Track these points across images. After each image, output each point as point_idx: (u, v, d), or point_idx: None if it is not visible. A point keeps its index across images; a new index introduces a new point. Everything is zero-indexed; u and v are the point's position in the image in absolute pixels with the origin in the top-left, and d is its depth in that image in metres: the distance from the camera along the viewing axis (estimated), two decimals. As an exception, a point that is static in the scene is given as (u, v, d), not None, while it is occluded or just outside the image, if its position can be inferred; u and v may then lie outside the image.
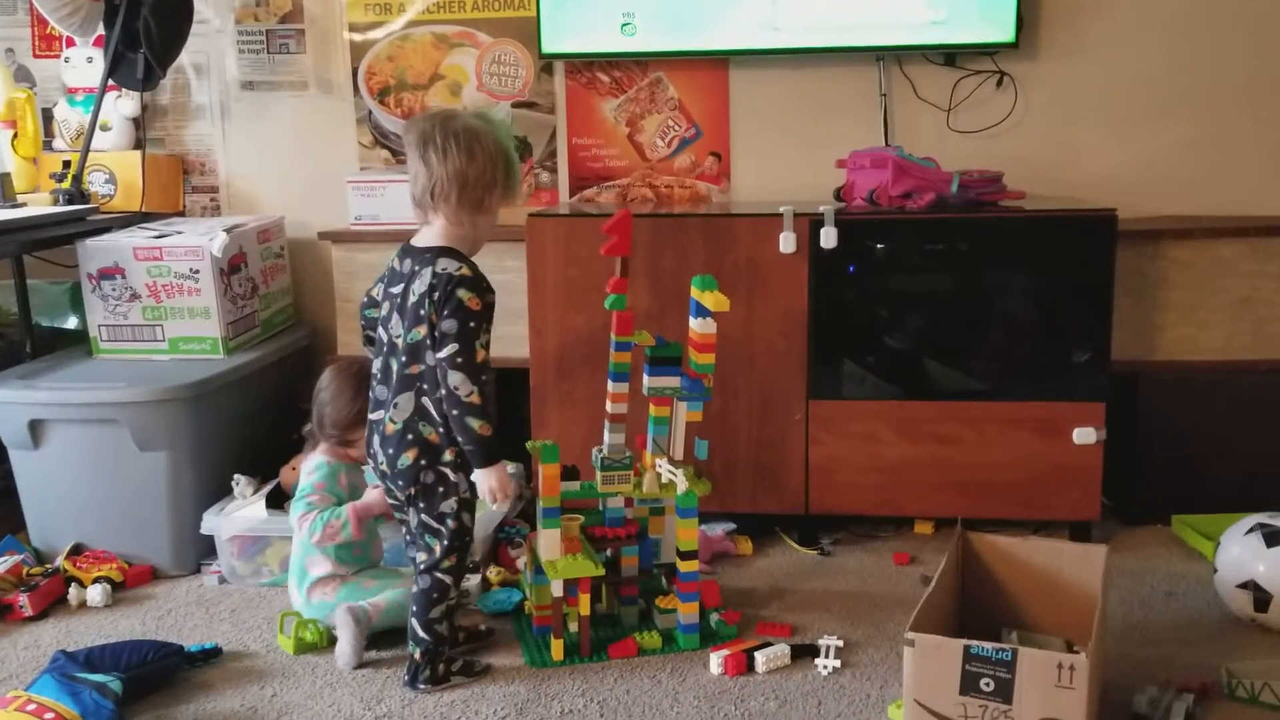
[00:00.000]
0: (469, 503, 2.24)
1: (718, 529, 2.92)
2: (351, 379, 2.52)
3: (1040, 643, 2.15)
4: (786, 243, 2.80)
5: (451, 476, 2.20)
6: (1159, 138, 3.29)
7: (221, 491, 2.88)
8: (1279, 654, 2.22)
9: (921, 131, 3.33)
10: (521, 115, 3.51)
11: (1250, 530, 2.41)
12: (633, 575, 2.49)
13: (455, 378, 2.11)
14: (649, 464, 2.48)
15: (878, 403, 2.85)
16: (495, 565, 2.76)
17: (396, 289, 2.21)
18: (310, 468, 2.55)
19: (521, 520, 2.95)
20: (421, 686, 2.23)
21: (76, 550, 2.82)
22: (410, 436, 2.19)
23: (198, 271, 3.00)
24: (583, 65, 3.44)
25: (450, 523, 2.21)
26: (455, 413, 2.13)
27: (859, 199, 2.94)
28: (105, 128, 3.44)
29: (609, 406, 2.44)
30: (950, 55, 3.29)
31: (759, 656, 2.28)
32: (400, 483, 2.21)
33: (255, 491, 2.88)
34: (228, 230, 3.08)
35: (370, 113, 3.56)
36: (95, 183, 3.39)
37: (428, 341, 2.15)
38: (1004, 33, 3.17)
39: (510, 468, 3.01)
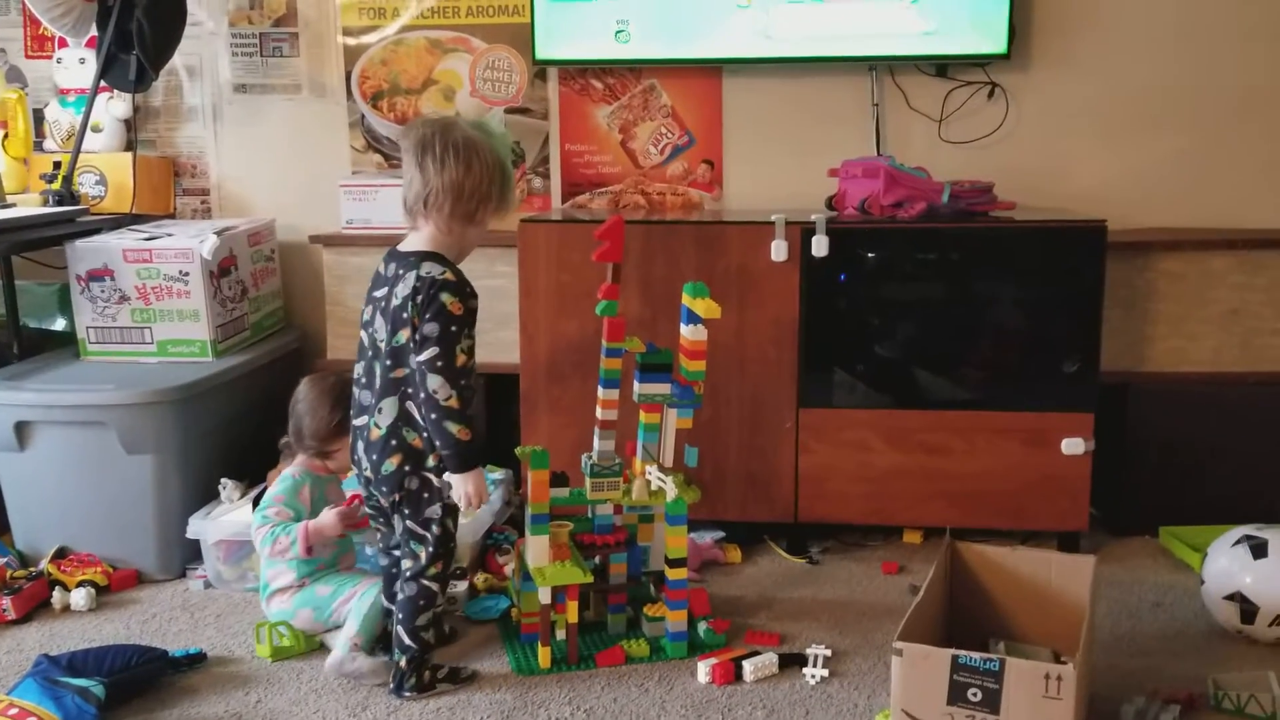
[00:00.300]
0: (453, 509, 2.23)
1: (707, 537, 2.92)
2: (329, 391, 2.51)
3: (1028, 653, 2.15)
4: (778, 251, 2.80)
5: (435, 482, 2.19)
6: (1149, 150, 3.30)
7: (208, 495, 2.87)
8: (1266, 665, 2.22)
9: (913, 141, 3.34)
10: (515, 121, 3.51)
11: (1237, 542, 2.41)
12: (621, 583, 2.48)
13: (434, 381, 2.10)
14: (639, 471, 2.47)
15: (868, 411, 2.85)
16: (483, 572, 2.75)
17: (380, 293, 2.20)
18: (277, 480, 2.54)
19: (510, 527, 2.94)
20: (407, 694, 2.22)
21: (61, 553, 2.81)
22: (394, 442, 2.18)
23: (187, 274, 2.99)
24: (576, 72, 3.44)
25: (435, 529, 2.21)
26: (434, 416, 2.12)
27: (851, 208, 2.94)
28: (97, 129, 3.43)
29: (599, 413, 2.44)
30: (942, 66, 3.30)
31: (747, 665, 2.28)
32: (384, 489, 2.20)
33: (242, 496, 2.87)
34: (218, 233, 3.07)
35: (363, 117, 3.56)
36: (86, 184, 3.38)
37: (410, 345, 2.14)
38: (996, 44, 3.18)
39: (499, 473, 3.04)
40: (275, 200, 3.60)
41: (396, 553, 2.29)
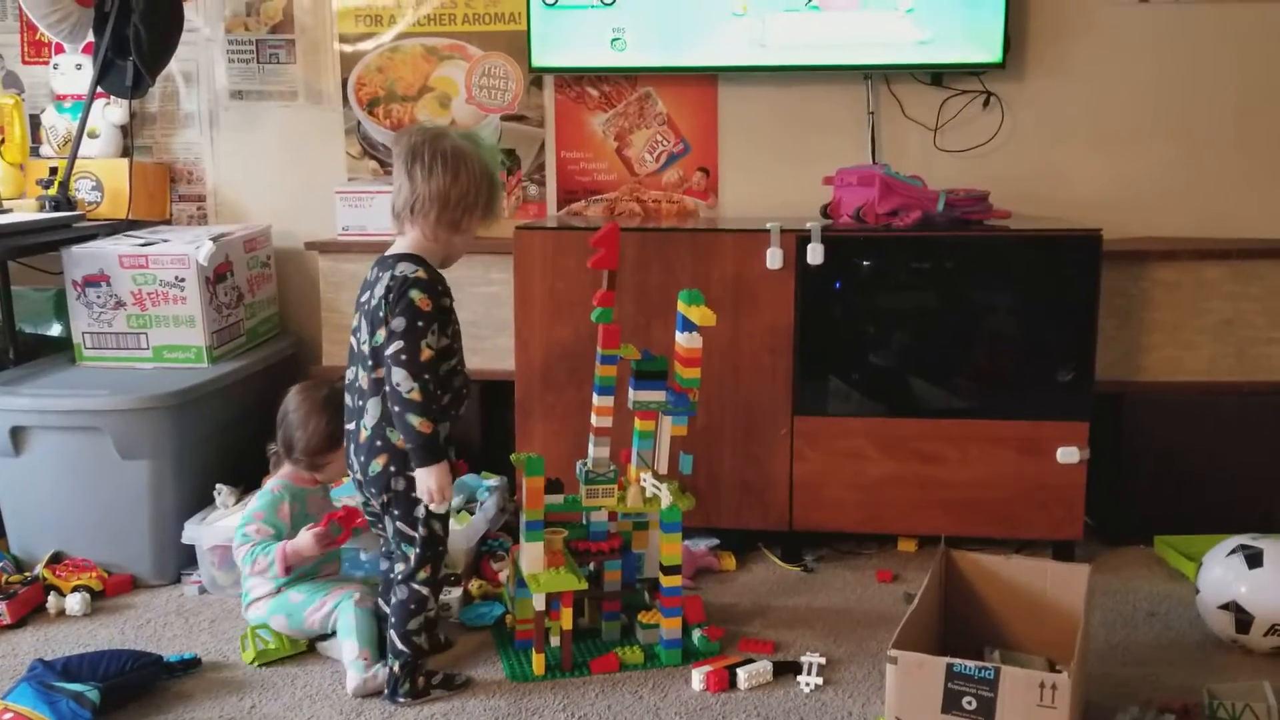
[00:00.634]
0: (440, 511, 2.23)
1: (701, 544, 2.92)
2: (322, 404, 2.50)
3: (1023, 662, 2.15)
4: (773, 258, 2.80)
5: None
6: (1144, 159, 3.31)
7: (203, 501, 2.87)
8: (1260, 675, 2.21)
9: (908, 150, 3.35)
10: (510, 128, 3.51)
11: (1232, 552, 2.41)
12: (615, 590, 2.48)
13: (398, 374, 2.11)
14: (633, 478, 2.47)
15: (862, 419, 2.86)
16: (477, 578, 2.75)
17: (364, 297, 2.23)
18: (257, 496, 2.53)
19: (505, 533, 2.94)
20: (401, 700, 2.22)
21: (56, 558, 2.80)
22: (379, 443, 2.19)
23: (183, 280, 2.99)
24: (572, 79, 3.45)
25: (421, 529, 2.21)
26: (396, 409, 2.13)
27: (846, 216, 2.95)
28: (93, 135, 3.43)
29: (594, 420, 2.44)
30: (937, 75, 3.31)
31: (741, 673, 2.28)
32: (373, 490, 2.22)
33: (237, 501, 2.87)
34: (214, 239, 3.07)
35: (359, 123, 3.56)
36: (82, 190, 3.38)
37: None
38: (991, 53, 3.19)
39: (493, 480, 3.04)
40: (271, 206, 3.60)
41: (393, 559, 2.29)
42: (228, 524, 2.75)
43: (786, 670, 2.32)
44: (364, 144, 3.57)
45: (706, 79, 3.40)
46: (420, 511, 2.20)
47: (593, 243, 2.37)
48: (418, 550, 2.21)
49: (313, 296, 3.42)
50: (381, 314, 2.14)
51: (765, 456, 2.88)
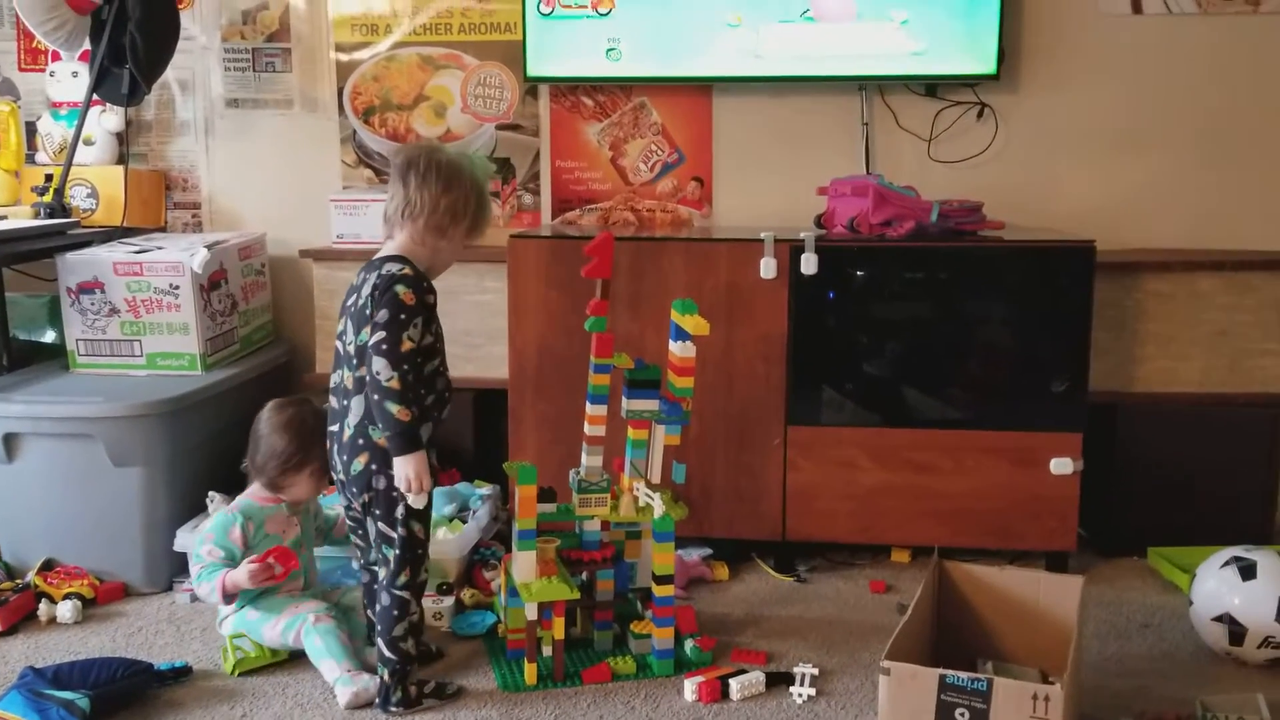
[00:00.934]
0: (420, 512, 2.22)
1: (694, 554, 2.91)
2: (287, 424, 2.47)
3: (1016, 673, 2.15)
4: (767, 268, 2.80)
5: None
6: (1138, 170, 3.32)
7: (196, 509, 2.86)
8: (1254, 687, 2.21)
9: (902, 160, 3.35)
10: (505, 137, 3.52)
11: (1226, 564, 2.41)
12: (608, 599, 2.48)
13: (378, 363, 2.13)
14: (626, 487, 2.47)
15: (856, 429, 2.86)
16: (469, 587, 2.74)
17: (350, 300, 2.26)
18: (214, 516, 2.51)
19: (497, 542, 2.93)
20: (394, 709, 2.21)
21: (48, 566, 2.79)
22: (361, 441, 2.20)
23: (177, 287, 2.98)
24: (567, 89, 3.46)
25: (400, 530, 2.21)
26: (375, 398, 2.14)
27: (840, 226, 2.95)
28: (88, 142, 3.43)
29: (587, 429, 2.43)
30: (931, 86, 3.32)
31: (733, 684, 2.27)
32: (354, 490, 2.23)
33: (230, 509, 2.86)
34: (209, 246, 3.07)
35: (354, 132, 3.56)
36: (77, 197, 3.38)
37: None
38: (985, 65, 3.20)
39: (486, 488, 3.04)
40: (266, 214, 3.60)
41: (375, 568, 2.29)
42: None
43: (779, 681, 2.32)
44: (359, 152, 3.57)
45: (701, 89, 3.41)
46: (400, 512, 2.20)
47: (587, 251, 2.37)
48: (397, 552, 2.21)
49: (307, 304, 3.42)
50: (368, 311, 2.16)
51: (758, 466, 2.88)
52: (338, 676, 2.27)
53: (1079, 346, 2.77)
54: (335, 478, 2.29)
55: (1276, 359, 3.00)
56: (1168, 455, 2.97)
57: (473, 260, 3.13)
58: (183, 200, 3.65)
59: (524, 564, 2.32)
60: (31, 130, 3.55)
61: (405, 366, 2.13)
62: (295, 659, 2.41)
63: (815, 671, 2.35)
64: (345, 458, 2.22)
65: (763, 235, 2.81)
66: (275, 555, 2.37)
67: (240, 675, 2.38)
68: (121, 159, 3.51)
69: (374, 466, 2.19)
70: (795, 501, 2.88)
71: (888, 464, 2.85)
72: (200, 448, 2.90)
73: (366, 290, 2.19)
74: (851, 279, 2.84)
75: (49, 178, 3.31)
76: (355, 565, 2.64)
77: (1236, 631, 2.35)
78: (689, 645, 2.42)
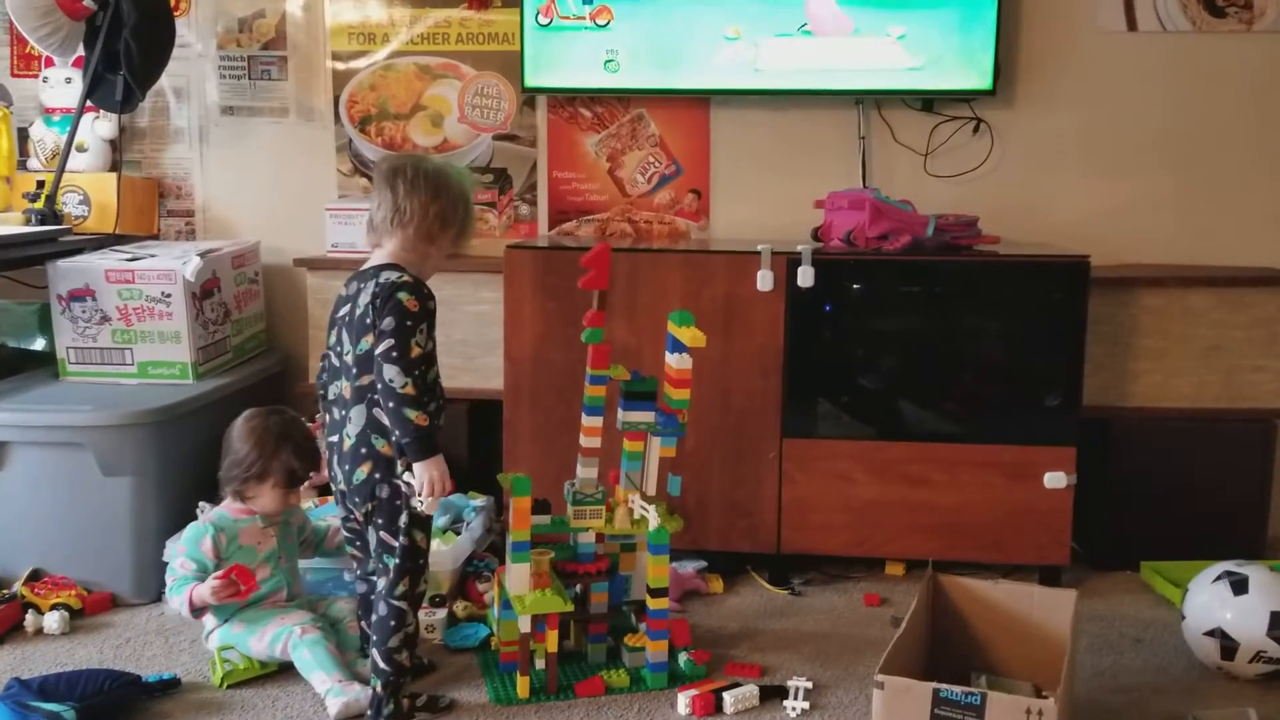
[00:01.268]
0: (421, 521, 2.21)
1: (689, 566, 2.91)
2: (248, 432, 2.47)
3: (1009, 687, 2.14)
4: (764, 281, 2.80)
5: (405, 489, 2.19)
6: (1132, 186, 3.33)
7: (185, 519, 2.82)
8: (1246, 702, 2.22)
9: (899, 175, 3.36)
10: (502, 148, 3.51)
11: (1218, 578, 2.42)
12: (602, 612, 2.46)
13: (390, 371, 2.12)
14: (621, 499, 2.46)
15: (851, 442, 2.85)
16: (462, 599, 2.73)
17: (343, 311, 2.25)
18: (188, 528, 2.50)
19: (491, 554, 2.92)
20: (385, 721, 2.20)
21: (35, 576, 2.77)
22: (364, 450, 2.18)
23: (170, 295, 2.97)
24: (565, 100, 3.46)
25: (402, 538, 2.19)
26: (390, 405, 2.13)
27: (836, 239, 2.96)
28: (81, 149, 3.41)
29: (582, 440, 2.43)
30: (928, 101, 3.33)
31: (727, 697, 2.26)
32: (357, 499, 2.21)
33: (221, 519, 2.84)
34: (202, 254, 3.06)
35: (350, 141, 3.56)
36: (69, 204, 3.36)
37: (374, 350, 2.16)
38: (982, 80, 3.21)
39: (480, 500, 3.02)
40: (260, 223, 3.59)
41: (374, 578, 2.28)
42: (211, 542, 2.73)
43: (773, 694, 2.31)
44: (355, 161, 3.57)
45: (699, 101, 3.42)
46: (403, 521, 2.19)
47: (584, 263, 2.36)
48: (397, 561, 2.20)
49: (300, 313, 3.40)
50: (369, 321, 2.15)
51: (754, 479, 2.87)
52: (329, 688, 2.26)
53: (1073, 361, 2.78)
54: (334, 488, 2.27)
55: (1269, 374, 3.01)
56: (1161, 470, 2.98)
57: (469, 270, 3.13)
58: (176, 208, 3.64)
59: (518, 576, 2.31)
60: (24, 136, 3.53)
61: (416, 372, 2.13)
62: (284, 671, 2.39)
63: (809, 685, 2.34)
64: (346, 468, 2.20)
65: (759, 248, 2.82)
66: (235, 573, 2.36)
67: (229, 687, 2.36)
68: (115, 166, 3.49)
69: (378, 475, 2.18)
70: (790, 514, 2.88)
71: (883, 477, 2.85)
72: (191, 458, 2.88)
73: (364, 299, 2.18)
74: (848, 292, 2.84)
75: (41, 184, 3.29)
76: (348, 577, 2.63)
77: (1228, 646, 2.35)
78: (683, 658, 2.41)
